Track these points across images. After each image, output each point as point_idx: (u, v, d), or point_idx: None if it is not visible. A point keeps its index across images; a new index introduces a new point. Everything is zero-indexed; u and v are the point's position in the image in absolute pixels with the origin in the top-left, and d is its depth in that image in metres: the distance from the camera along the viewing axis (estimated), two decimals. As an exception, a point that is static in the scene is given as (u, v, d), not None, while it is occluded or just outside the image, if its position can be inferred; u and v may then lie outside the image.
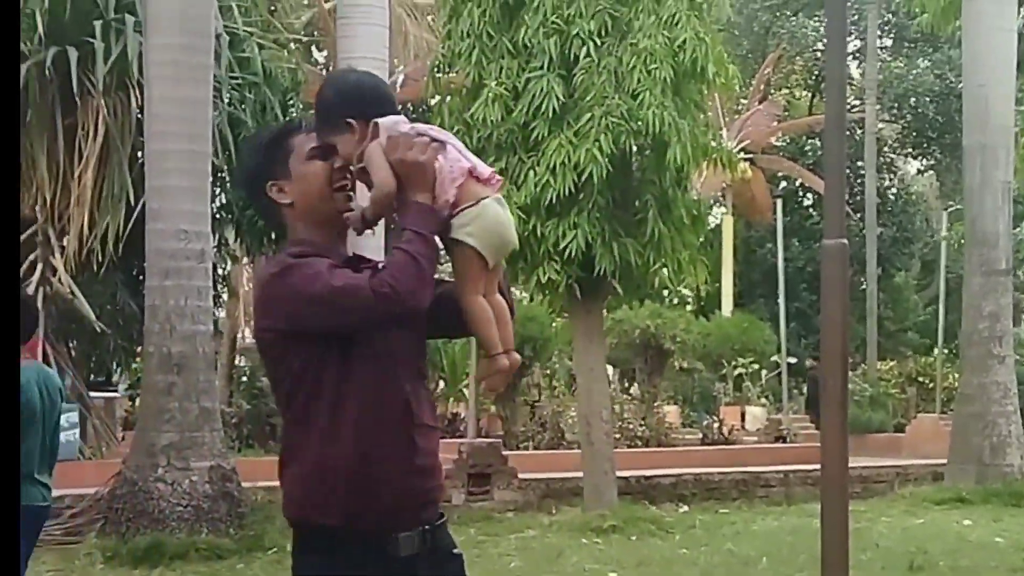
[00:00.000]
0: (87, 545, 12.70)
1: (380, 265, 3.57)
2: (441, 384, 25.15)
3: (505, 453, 16.88)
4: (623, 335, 25.46)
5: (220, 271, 23.59)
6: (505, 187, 14.23)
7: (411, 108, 36.86)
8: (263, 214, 3.87)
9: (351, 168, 3.65)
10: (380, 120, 3.59)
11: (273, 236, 21.41)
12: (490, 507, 15.65)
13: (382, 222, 3.80)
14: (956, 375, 24.26)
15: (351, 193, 3.71)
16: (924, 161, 44.69)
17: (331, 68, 30.82)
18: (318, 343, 3.50)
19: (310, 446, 3.55)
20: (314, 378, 3.52)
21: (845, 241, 8.37)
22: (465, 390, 22.62)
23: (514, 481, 16.17)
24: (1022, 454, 18.82)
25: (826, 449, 8.30)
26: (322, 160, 3.66)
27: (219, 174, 19.35)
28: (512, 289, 4.26)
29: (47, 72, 17.29)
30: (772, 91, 42.04)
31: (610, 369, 24.91)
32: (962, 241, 23.50)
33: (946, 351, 27.92)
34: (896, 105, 41.67)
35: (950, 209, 36.84)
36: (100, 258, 17.70)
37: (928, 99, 40.62)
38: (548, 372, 25.32)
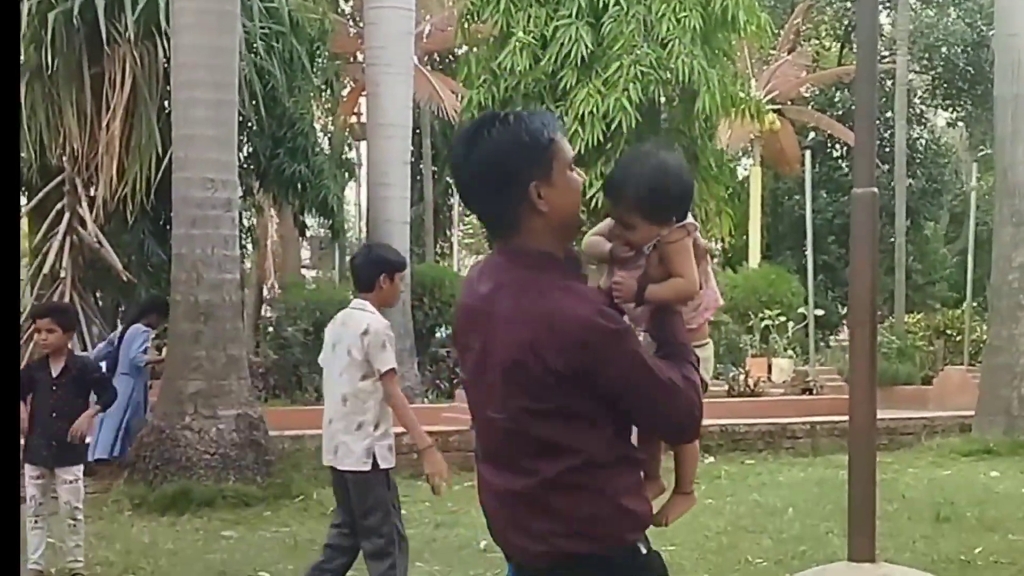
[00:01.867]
0: (115, 492, 12.77)
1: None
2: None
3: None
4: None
5: (246, 222, 23.65)
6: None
7: (437, 58, 36.82)
8: (500, 212, 3.46)
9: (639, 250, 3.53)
10: (695, 223, 3.58)
11: (300, 186, 21.43)
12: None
13: None
14: (984, 327, 24.14)
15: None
16: (954, 112, 44.32)
17: (357, 18, 30.72)
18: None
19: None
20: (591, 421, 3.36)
21: (875, 190, 8.30)
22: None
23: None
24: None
25: (854, 401, 8.26)
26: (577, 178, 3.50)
27: (246, 124, 19.36)
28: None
29: (74, 20, 17.29)
30: (801, 41, 41.70)
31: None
32: (992, 192, 23.30)
33: (975, 303, 27.76)
34: (927, 55, 41.31)
35: (981, 155, 36.58)
36: (129, 207, 17.73)
37: (959, 49, 40.26)
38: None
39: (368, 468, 7.03)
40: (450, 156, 3.62)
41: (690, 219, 3.54)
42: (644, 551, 3.45)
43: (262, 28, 19.16)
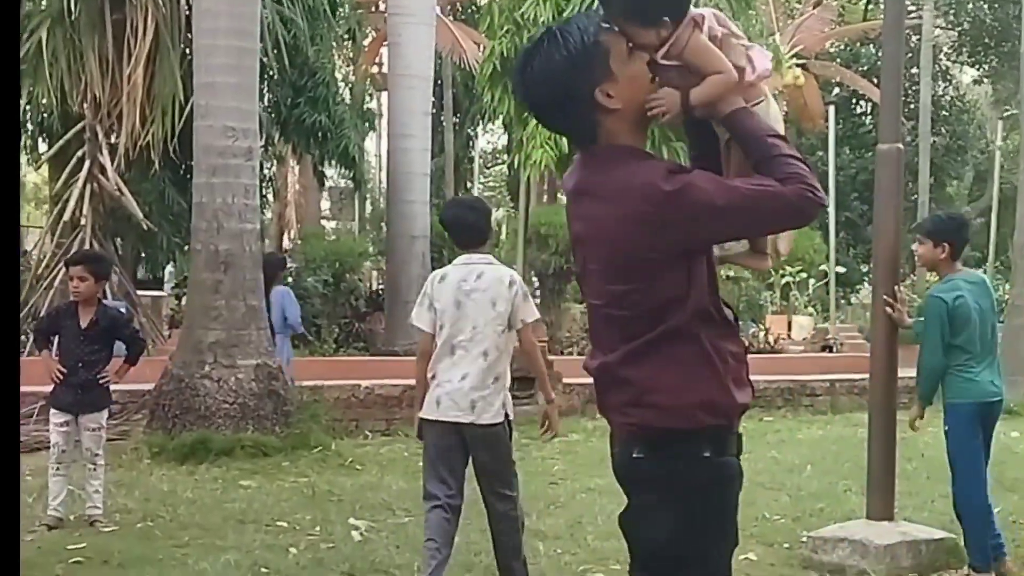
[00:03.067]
0: (134, 440, 12.80)
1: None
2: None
3: (550, 358, 16.85)
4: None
5: (266, 171, 23.62)
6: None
7: (460, 8, 36.65)
8: (574, 125, 3.51)
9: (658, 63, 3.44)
10: (702, 11, 3.46)
11: (320, 136, 21.39)
12: (534, 411, 15.56)
13: None
14: (1007, 287, 24.05)
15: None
16: (980, 68, 43.99)
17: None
18: (693, 257, 3.40)
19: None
20: (684, 291, 3.39)
21: (900, 146, 8.25)
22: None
23: (559, 386, 16.14)
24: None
25: (875, 359, 8.24)
26: (641, 58, 3.42)
27: (267, 72, 19.29)
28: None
29: (96, -33, 17.22)
30: (827, -4, 41.42)
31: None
32: (1017, 150, 23.16)
33: (997, 263, 27.66)
34: (953, 10, 40.98)
35: (1006, 115, 36.34)
36: (150, 156, 17.70)
37: (985, 4, 39.92)
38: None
39: (503, 420, 6.96)
40: (514, 89, 3.65)
41: (694, 10, 3.43)
42: (708, 451, 3.51)
43: (284, -24, 19.10)
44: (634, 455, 3.48)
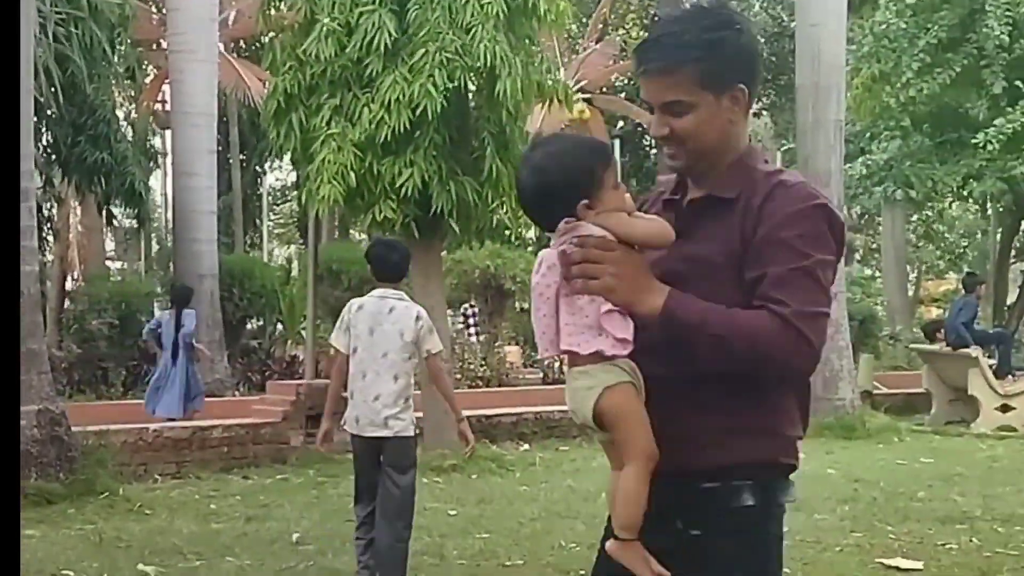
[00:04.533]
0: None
1: None
2: (279, 327, 24.90)
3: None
4: (463, 275, 25.42)
5: (46, 212, 23.05)
6: (340, 124, 14.07)
7: (243, 45, 36.31)
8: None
9: None
10: None
11: (103, 174, 20.97)
12: (329, 449, 15.51)
13: None
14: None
15: None
16: (759, 101, 45.21)
17: (160, 5, 30.10)
18: None
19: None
20: None
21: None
22: (303, 332, 22.38)
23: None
24: (853, 388, 19.22)
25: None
26: None
27: (45, 111, 18.83)
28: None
29: None
30: (609, 31, 42.11)
31: (449, 310, 24.88)
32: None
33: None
34: (732, 45, 42.03)
35: (784, 148, 37.34)
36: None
37: (762, 39, 41.04)
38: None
39: (412, 434, 8.08)
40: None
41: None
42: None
43: (59, 13, 18.66)
44: None
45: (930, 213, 34.88)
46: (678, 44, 3.21)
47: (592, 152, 3.20)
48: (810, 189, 3.23)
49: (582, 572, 8.56)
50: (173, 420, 15.97)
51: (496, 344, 24.56)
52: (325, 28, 13.93)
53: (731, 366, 3.07)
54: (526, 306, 27.38)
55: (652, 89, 3.26)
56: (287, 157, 18.95)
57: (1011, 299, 28.15)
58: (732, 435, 3.16)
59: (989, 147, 21.52)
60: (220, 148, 28.17)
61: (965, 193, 25.21)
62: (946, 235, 48.13)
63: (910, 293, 42.00)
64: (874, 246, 49.23)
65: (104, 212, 25.45)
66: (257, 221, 40.26)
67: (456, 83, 13.72)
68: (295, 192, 42.94)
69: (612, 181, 3.17)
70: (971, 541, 9.80)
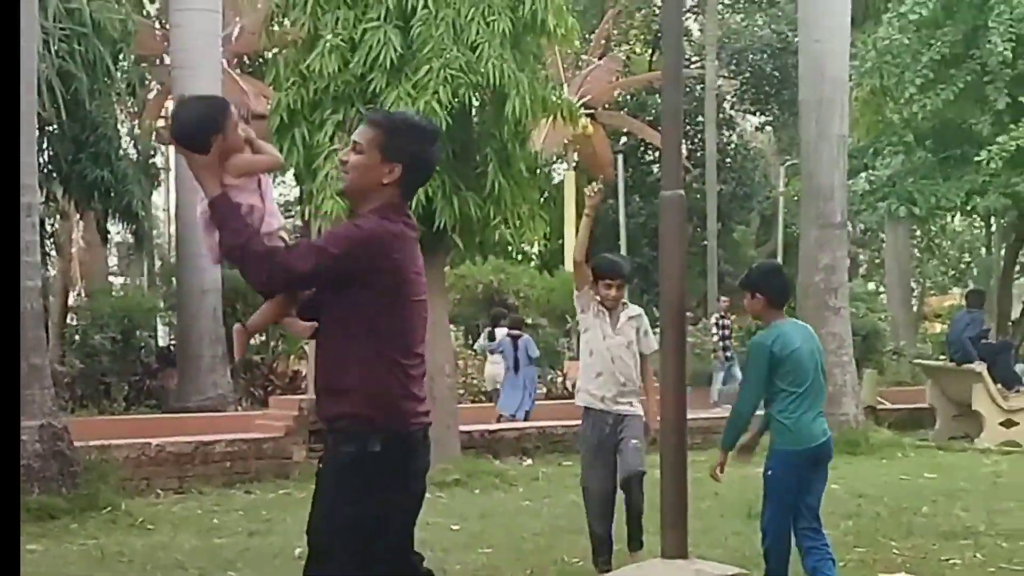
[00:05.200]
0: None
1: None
2: (282, 342, 24.88)
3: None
4: (466, 290, 25.44)
5: (49, 228, 23.07)
6: (343, 139, 14.05)
7: (247, 61, 36.34)
8: None
9: None
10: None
11: (103, 192, 20.99)
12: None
13: None
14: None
15: None
16: (762, 117, 45.29)
17: (163, 20, 30.17)
18: None
19: None
20: None
21: (682, 192, 8.41)
22: (306, 347, 22.37)
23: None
24: (856, 403, 19.20)
25: (665, 400, 8.36)
26: None
27: (47, 127, 18.85)
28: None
29: None
30: (612, 47, 42.19)
31: (452, 325, 24.88)
32: (799, 196, 23.83)
33: (727, 302, 28.31)
34: (735, 61, 42.11)
35: (787, 164, 37.40)
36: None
37: (766, 55, 41.13)
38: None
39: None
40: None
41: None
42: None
43: (62, 29, 18.68)
44: None
45: (933, 228, 34.87)
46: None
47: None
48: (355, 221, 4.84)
49: (586, 587, 8.55)
50: (515, 417, 19.72)
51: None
52: (328, 44, 13.95)
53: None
54: (529, 320, 27.39)
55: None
56: (290, 172, 18.98)
57: (1016, 314, 28.10)
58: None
59: (992, 163, 21.49)
60: (223, 164, 28.17)
61: (969, 209, 25.17)
62: (948, 250, 48.14)
63: (914, 308, 41.96)
64: (877, 261, 49.26)
65: (101, 229, 25.47)
66: (260, 236, 40.20)
67: (460, 100, 13.74)
68: (298, 207, 43.01)
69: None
70: (975, 556, 9.78)
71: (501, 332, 21.55)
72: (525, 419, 19.84)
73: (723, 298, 27.57)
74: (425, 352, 4.86)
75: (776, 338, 7.34)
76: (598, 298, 8.94)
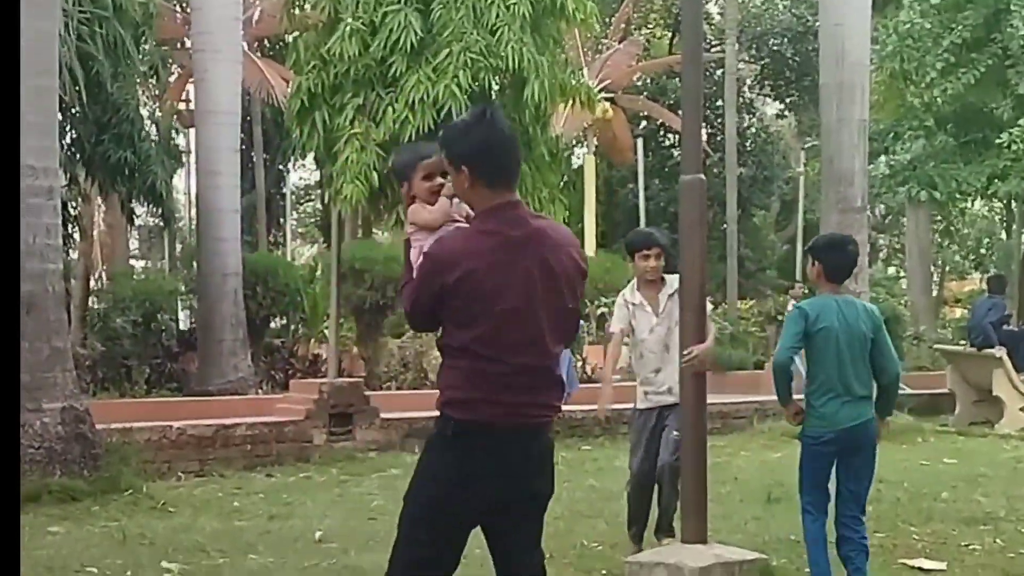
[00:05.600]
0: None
1: None
2: (303, 325, 24.93)
3: (367, 393, 16.75)
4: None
5: (71, 211, 23.11)
6: (363, 123, 14.09)
7: (267, 44, 36.40)
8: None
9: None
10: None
11: (127, 173, 21.03)
12: (352, 447, 15.55)
13: None
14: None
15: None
16: (783, 101, 45.14)
17: (184, 4, 30.21)
18: None
19: None
20: None
21: (702, 176, 8.40)
22: (326, 331, 22.42)
23: (376, 421, 16.06)
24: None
25: (684, 384, 8.35)
26: None
27: (69, 110, 18.88)
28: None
29: None
30: (632, 30, 42.08)
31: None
32: (820, 179, 23.81)
33: (804, 290, 28.29)
34: (755, 45, 41.98)
35: (808, 146, 37.30)
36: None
37: (786, 39, 40.99)
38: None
39: None
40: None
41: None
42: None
43: (84, 12, 18.71)
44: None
45: (953, 212, 34.78)
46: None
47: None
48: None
49: (604, 572, 8.58)
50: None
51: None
52: (349, 27, 13.97)
53: None
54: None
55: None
56: (310, 156, 19.03)
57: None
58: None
59: (1014, 147, 21.44)
60: (244, 147, 28.24)
61: (989, 193, 25.09)
62: (968, 235, 47.96)
63: (933, 294, 41.84)
64: (897, 246, 49.11)
65: (125, 211, 25.56)
66: (280, 220, 40.36)
67: (480, 84, 13.74)
68: (318, 191, 43.08)
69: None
70: (995, 542, 9.77)
71: None
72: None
73: (798, 283, 27.53)
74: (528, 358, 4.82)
75: (816, 309, 7.29)
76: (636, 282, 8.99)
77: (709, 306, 8.52)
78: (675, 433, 8.53)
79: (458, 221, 5.03)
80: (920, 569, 8.61)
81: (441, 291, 4.72)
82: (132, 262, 39.32)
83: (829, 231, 19.27)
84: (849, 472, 7.41)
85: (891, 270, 48.80)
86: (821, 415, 7.27)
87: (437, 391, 4.88)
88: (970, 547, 9.55)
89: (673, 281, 8.73)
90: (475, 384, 4.75)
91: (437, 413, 4.88)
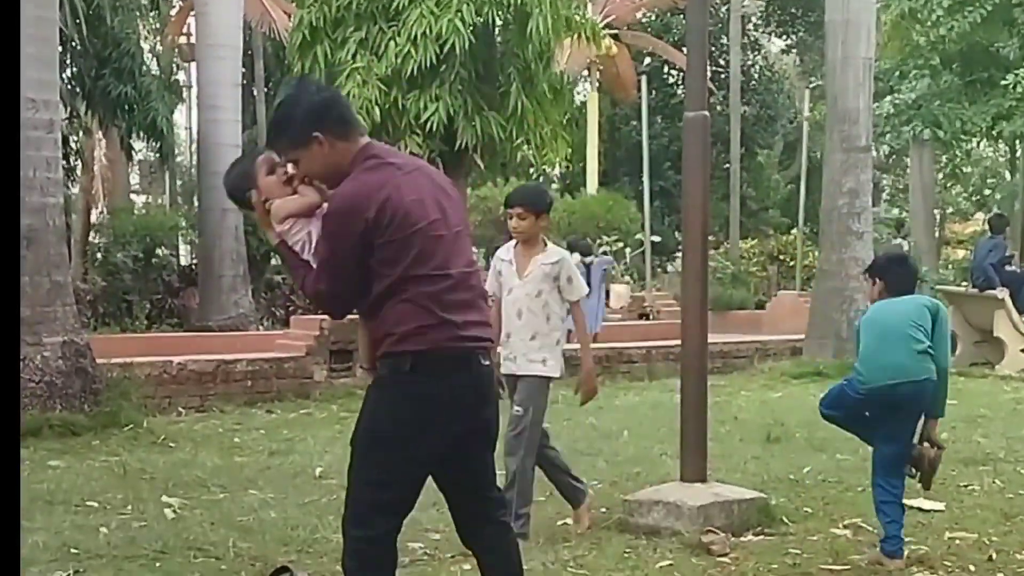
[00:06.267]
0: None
1: None
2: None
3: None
4: (487, 212, 25.37)
5: (72, 144, 23.04)
6: (365, 58, 13.99)
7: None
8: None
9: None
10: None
11: (127, 108, 20.95)
12: (352, 383, 15.55)
13: None
14: (816, 253, 24.59)
15: None
16: (788, 39, 44.87)
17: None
18: None
19: None
20: None
21: (706, 113, 8.33)
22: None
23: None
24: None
25: (686, 325, 8.33)
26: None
27: (69, 43, 18.77)
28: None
29: None
30: (637, -33, 41.77)
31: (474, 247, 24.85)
32: (823, 120, 23.69)
33: (806, 229, 28.29)
34: (761, -19, 41.74)
35: (812, 86, 37.09)
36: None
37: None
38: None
39: None
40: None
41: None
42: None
43: (83, -56, 18.60)
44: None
45: (958, 153, 34.69)
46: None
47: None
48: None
49: (604, 510, 8.57)
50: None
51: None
52: (351, -40, 13.87)
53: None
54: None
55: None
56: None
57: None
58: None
59: (1020, 87, 21.33)
60: (245, 81, 28.06)
61: (994, 133, 24.99)
62: (972, 175, 47.81)
63: (936, 234, 41.75)
64: (901, 186, 48.97)
65: (125, 146, 25.46)
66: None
67: (484, 19, 13.64)
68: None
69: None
70: (994, 483, 9.78)
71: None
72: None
73: None
74: (464, 266, 4.74)
75: (867, 314, 7.52)
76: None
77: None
78: (516, 408, 7.90)
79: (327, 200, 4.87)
80: (919, 509, 8.60)
81: (364, 233, 4.58)
82: (133, 197, 39.20)
83: (833, 170, 19.21)
84: (886, 430, 7.56)
85: (895, 210, 48.61)
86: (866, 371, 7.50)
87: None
88: (969, 488, 9.57)
89: (555, 255, 7.97)
90: (425, 308, 4.62)
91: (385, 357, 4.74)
